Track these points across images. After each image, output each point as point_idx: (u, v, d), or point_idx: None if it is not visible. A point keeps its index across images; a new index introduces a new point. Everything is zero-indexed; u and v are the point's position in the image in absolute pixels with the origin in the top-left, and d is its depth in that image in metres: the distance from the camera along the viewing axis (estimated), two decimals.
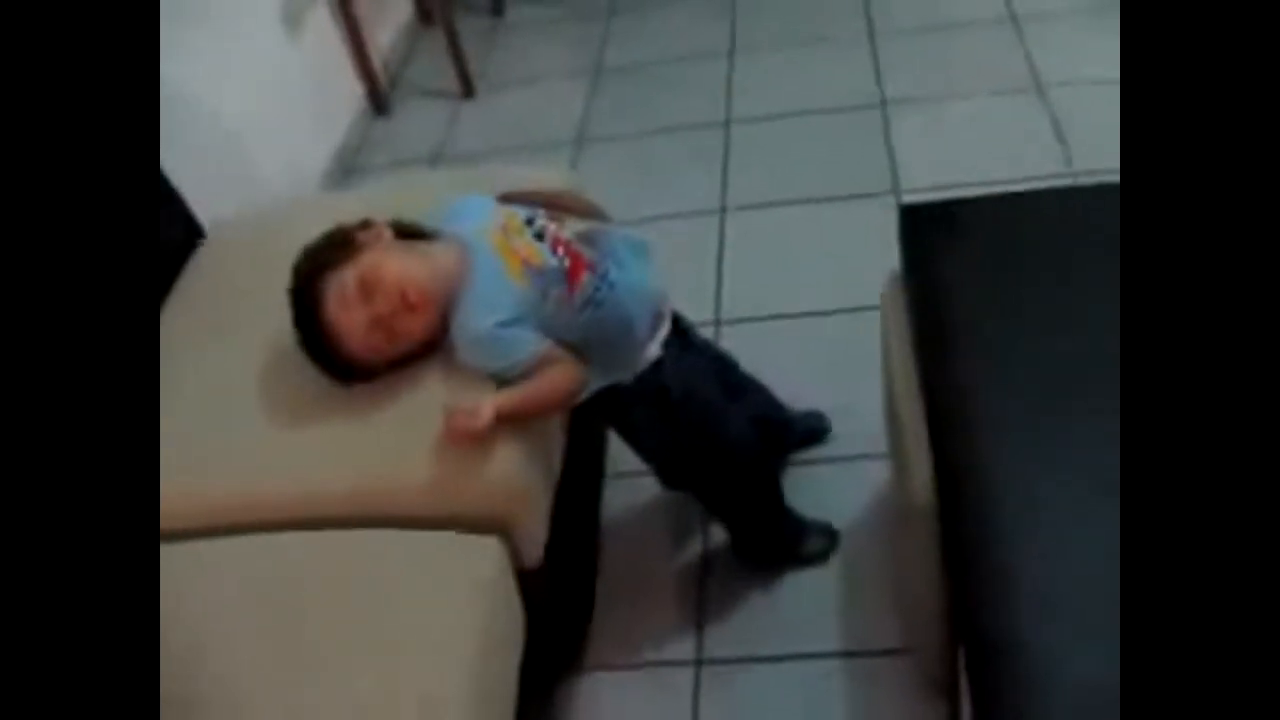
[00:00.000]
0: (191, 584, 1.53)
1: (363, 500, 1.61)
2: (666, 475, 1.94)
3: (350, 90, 3.68)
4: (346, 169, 3.48)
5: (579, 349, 1.67)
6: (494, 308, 1.62)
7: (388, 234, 1.68)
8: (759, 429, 1.96)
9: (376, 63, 3.74)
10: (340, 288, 1.60)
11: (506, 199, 1.80)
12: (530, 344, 1.62)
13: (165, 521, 1.59)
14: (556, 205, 1.82)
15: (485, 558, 1.57)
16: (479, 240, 1.67)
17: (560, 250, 1.67)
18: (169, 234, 2.14)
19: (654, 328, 1.75)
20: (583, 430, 1.94)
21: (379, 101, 3.75)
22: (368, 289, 1.59)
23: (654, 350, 1.74)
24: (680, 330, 1.83)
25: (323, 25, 3.51)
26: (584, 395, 1.71)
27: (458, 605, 1.50)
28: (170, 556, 1.56)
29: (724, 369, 2.05)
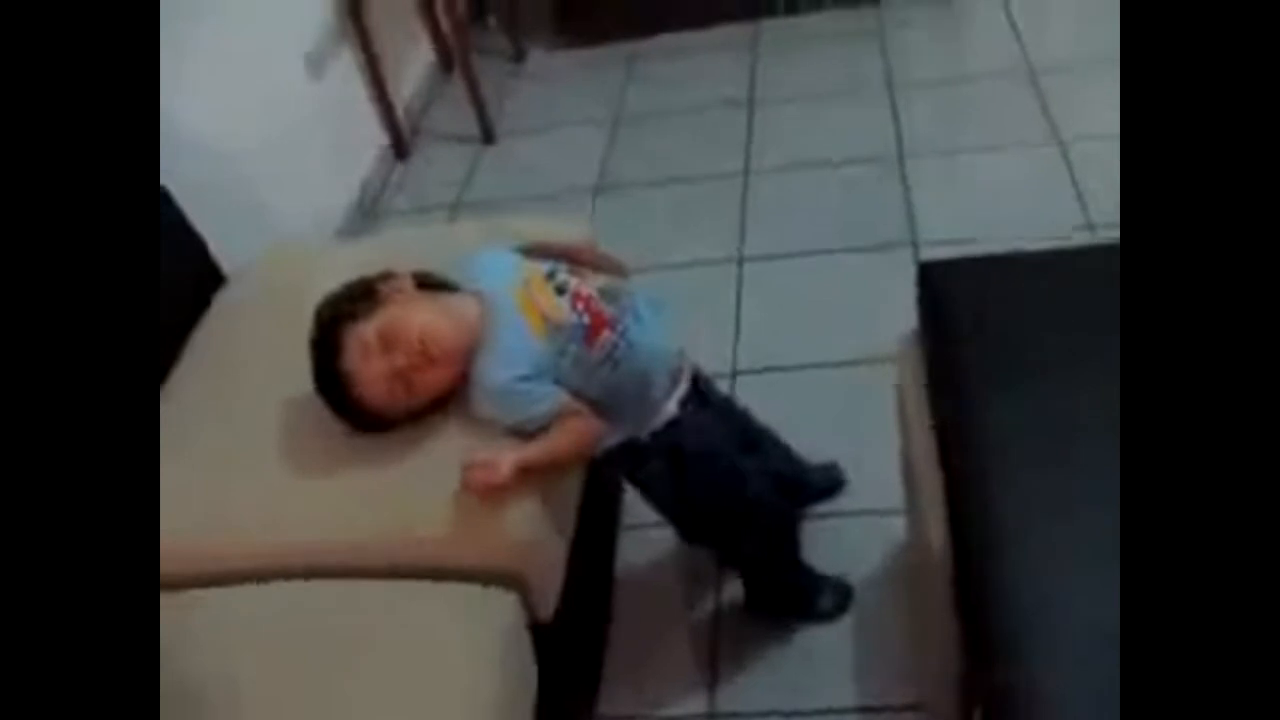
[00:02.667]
0: (205, 631, 1.54)
1: (378, 551, 1.61)
2: (684, 530, 1.94)
3: (371, 134, 3.71)
4: (366, 212, 3.51)
5: (596, 404, 1.67)
6: (514, 363, 1.63)
7: (409, 286, 1.69)
8: (776, 485, 1.95)
9: (398, 107, 3.78)
10: (361, 339, 1.60)
11: (528, 252, 1.81)
12: (548, 399, 1.63)
13: (179, 567, 1.61)
14: (577, 260, 1.82)
15: (499, 611, 1.57)
16: (501, 295, 1.68)
17: (581, 306, 1.67)
18: (189, 277, 2.15)
19: (671, 386, 1.75)
20: (598, 483, 1.94)
21: (400, 146, 3.78)
22: (388, 341, 1.59)
23: (671, 408, 1.74)
24: (698, 388, 1.82)
25: (345, 69, 3.55)
26: (600, 450, 1.71)
27: (471, 657, 1.50)
28: (183, 603, 1.57)
29: (741, 425, 2.04)
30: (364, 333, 1.61)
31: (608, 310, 1.69)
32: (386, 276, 1.69)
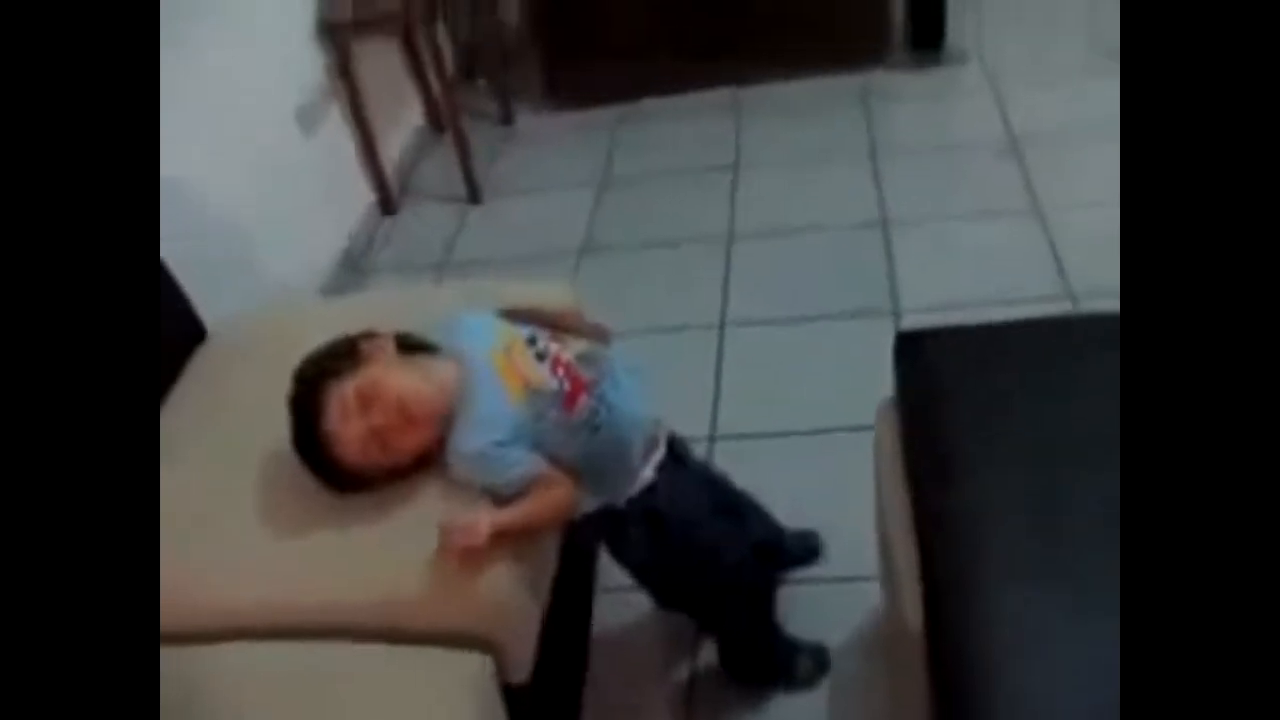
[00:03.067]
0: (169, 688, 1.52)
1: (349, 611, 1.60)
2: (659, 596, 1.94)
3: (359, 190, 3.74)
4: (352, 267, 3.52)
5: (574, 470, 1.68)
6: (491, 428, 1.63)
7: (390, 347, 1.70)
8: (754, 551, 1.95)
9: (386, 165, 3.81)
10: (341, 398, 1.61)
11: (510, 315, 1.82)
12: (525, 463, 1.63)
13: None
14: (559, 325, 1.83)
15: (472, 674, 1.56)
16: (481, 359, 1.69)
17: (561, 372, 1.68)
18: (170, 331, 2.15)
19: (648, 451, 1.76)
20: (574, 546, 1.93)
21: (388, 203, 3.81)
22: (366, 400, 1.60)
23: (647, 474, 1.75)
24: (675, 454, 1.83)
25: (335, 125, 3.58)
26: (578, 515, 1.71)
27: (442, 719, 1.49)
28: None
29: (719, 490, 2.04)
30: (344, 391, 1.61)
31: (586, 375, 1.70)
32: (369, 335, 1.70)
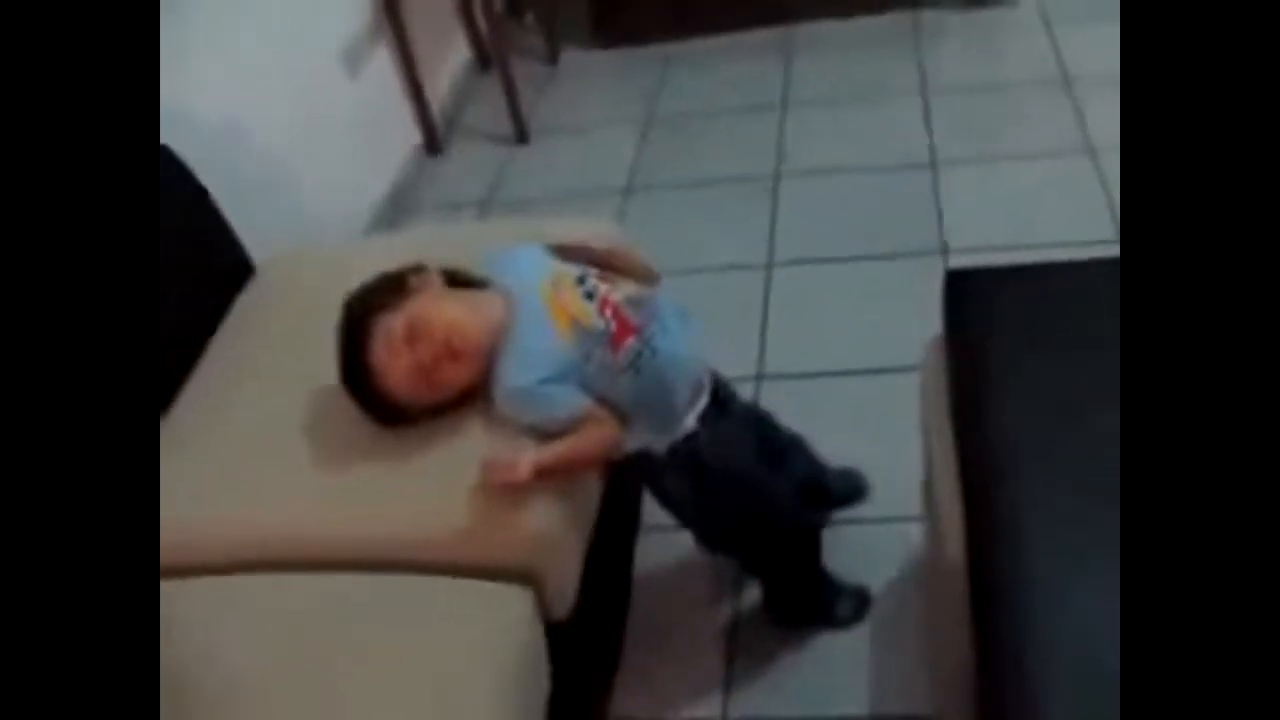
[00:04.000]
0: (218, 618, 1.55)
1: (395, 545, 1.62)
2: (704, 539, 1.95)
3: (405, 130, 3.72)
4: (398, 207, 3.52)
5: (618, 410, 1.67)
6: (537, 365, 1.63)
7: (438, 281, 1.70)
8: (799, 492, 1.94)
9: (433, 104, 3.79)
10: (388, 330, 1.61)
11: (560, 251, 1.82)
12: (570, 402, 1.63)
13: (196, 554, 1.62)
14: (607, 264, 1.82)
15: (514, 608, 1.57)
16: (529, 294, 1.69)
17: (608, 312, 1.67)
18: (219, 266, 2.17)
19: (693, 399, 1.74)
20: (620, 484, 1.94)
21: (433, 142, 3.79)
22: (414, 334, 1.60)
23: (690, 423, 1.73)
24: (719, 400, 1.81)
25: (381, 65, 3.56)
26: (619, 456, 1.71)
27: (483, 653, 1.50)
28: (198, 589, 1.59)
29: (765, 434, 2.03)
30: (391, 324, 1.61)
31: (634, 318, 1.69)
32: (417, 269, 1.70)
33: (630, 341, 1.67)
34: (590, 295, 1.69)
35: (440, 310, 1.64)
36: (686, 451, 1.74)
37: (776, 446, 2.05)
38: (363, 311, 1.65)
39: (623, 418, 1.68)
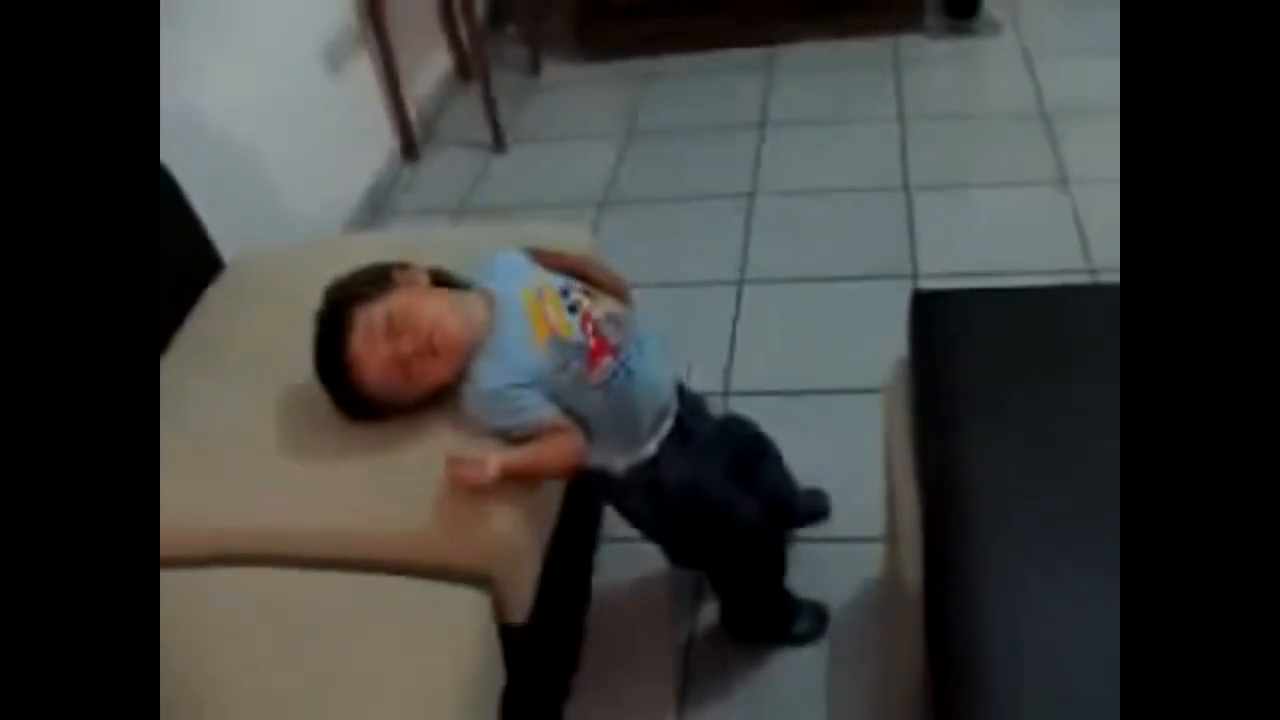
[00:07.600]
0: (168, 614, 1.53)
1: (353, 543, 1.61)
2: (671, 554, 1.97)
3: (383, 134, 3.72)
4: (373, 210, 3.51)
5: (582, 424, 1.67)
6: (512, 369, 1.63)
7: (424, 278, 1.70)
8: (766, 507, 1.94)
9: (412, 110, 3.79)
10: (368, 320, 1.60)
11: (537, 256, 1.82)
12: (539, 409, 1.63)
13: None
14: (582, 272, 1.83)
15: (470, 610, 1.56)
16: (512, 300, 1.69)
17: (589, 328, 1.68)
18: (186, 261, 2.14)
19: (656, 424, 1.74)
20: (580, 493, 1.94)
21: (410, 148, 3.79)
22: (396, 326, 1.59)
23: (650, 448, 1.73)
24: (685, 429, 1.79)
25: (362, 68, 3.57)
26: (582, 469, 1.72)
27: (437, 654, 1.49)
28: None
29: (740, 449, 2.02)
30: (373, 314, 1.60)
31: (613, 337, 1.69)
32: (403, 265, 1.70)
33: (606, 361, 1.67)
34: (574, 309, 1.70)
35: (425, 305, 1.63)
36: (646, 475, 1.74)
37: (749, 461, 2.04)
38: (344, 299, 1.64)
39: (587, 432, 1.68)
